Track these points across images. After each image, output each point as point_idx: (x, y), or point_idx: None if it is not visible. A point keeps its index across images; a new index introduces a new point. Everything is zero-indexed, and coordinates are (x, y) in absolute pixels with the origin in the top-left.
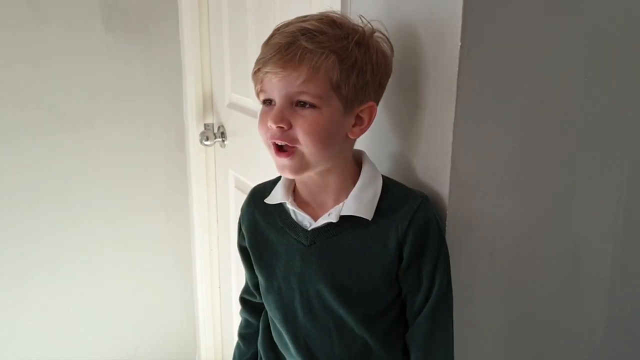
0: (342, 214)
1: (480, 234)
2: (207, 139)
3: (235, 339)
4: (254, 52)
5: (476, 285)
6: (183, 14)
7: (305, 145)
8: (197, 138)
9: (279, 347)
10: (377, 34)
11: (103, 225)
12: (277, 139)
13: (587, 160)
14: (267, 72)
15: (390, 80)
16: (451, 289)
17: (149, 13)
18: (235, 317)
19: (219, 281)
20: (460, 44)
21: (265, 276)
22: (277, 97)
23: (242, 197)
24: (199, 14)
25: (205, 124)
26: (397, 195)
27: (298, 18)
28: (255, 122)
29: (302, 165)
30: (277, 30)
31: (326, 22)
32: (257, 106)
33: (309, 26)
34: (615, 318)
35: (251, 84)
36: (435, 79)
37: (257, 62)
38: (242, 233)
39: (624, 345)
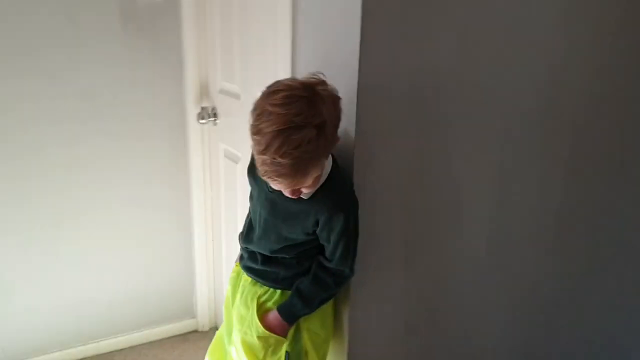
0: None
1: (377, 166)
2: (203, 118)
3: (226, 284)
4: (238, 49)
5: (378, 212)
6: (183, 20)
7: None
8: (195, 118)
9: (247, 232)
10: (326, 101)
11: (119, 190)
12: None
13: (466, 125)
14: (275, 181)
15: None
16: (354, 249)
17: (156, 18)
18: (225, 265)
19: (212, 235)
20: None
21: (253, 197)
22: (284, 189)
23: (231, 165)
24: (196, 20)
25: (201, 107)
26: (331, 186)
27: (276, 136)
28: (238, 103)
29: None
30: (266, 146)
31: (299, 148)
32: (243, 91)
33: (294, 158)
34: (493, 243)
35: (237, 73)
36: (336, 73)
37: (260, 165)
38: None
39: (502, 263)
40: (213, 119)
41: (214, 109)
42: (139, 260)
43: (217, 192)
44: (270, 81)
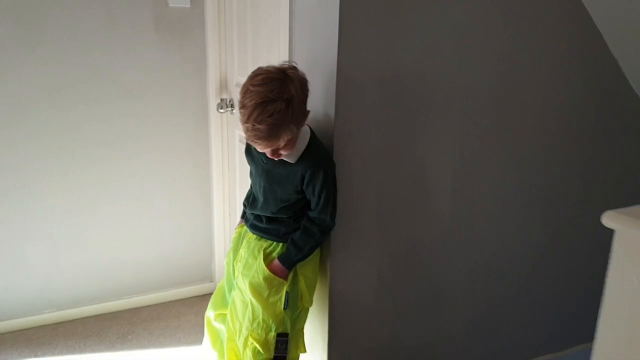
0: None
1: (354, 149)
2: (222, 108)
3: None
4: (250, 48)
5: (354, 183)
6: (207, 24)
7: (287, 152)
8: (215, 107)
9: (252, 202)
10: (295, 77)
11: (150, 167)
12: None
13: (429, 110)
14: (256, 143)
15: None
16: (334, 200)
17: (184, 22)
18: None
19: (228, 208)
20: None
21: (252, 173)
22: (267, 151)
23: (244, 148)
24: (217, 25)
25: (221, 98)
26: (311, 151)
27: (254, 109)
28: None
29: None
30: (248, 115)
31: (277, 111)
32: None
33: (271, 121)
34: (456, 211)
35: (250, 67)
36: (320, 74)
37: (246, 132)
38: (247, 145)
39: (464, 225)
40: (230, 108)
41: (231, 100)
42: (165, 229)
43: (233, 171)
44: None
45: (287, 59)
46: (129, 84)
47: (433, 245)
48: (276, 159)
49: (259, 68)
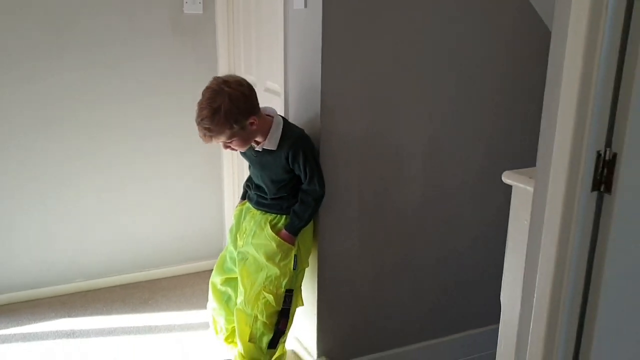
0: (264, 147)
1: (339, 135)
2: None
3: None
4: (254, 49)
5: (339, 166)
6: (217, 27)
7: (243, 145)
8: None
9: (251, 186)
10: (229, 95)
11: (168, 156)
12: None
13: (402, 103)
14: (206, 138)
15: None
16: (318, 171)
17: (197, 26)
18: None
19: (238, 191)
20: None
21: (249, 165)
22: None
23: None
24: (227, 27)
25: None
26: (288, 135)
27: (199, 112)
28: (258, 91)
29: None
30: (197, 117)
31: (207, 116)
32: (257, 80)
33: (206, 126)
34: (428, 192)
35: (254, 68)
36: (308, 71)
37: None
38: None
39: (433, 200)
40: None
41: None
42: (181, 211)
43: (241, 159)
44: (274, 72)
45: (281, 60)
46: (149, 81)
47: (407, 217)
48: (239, 150)
49: (212, 79)
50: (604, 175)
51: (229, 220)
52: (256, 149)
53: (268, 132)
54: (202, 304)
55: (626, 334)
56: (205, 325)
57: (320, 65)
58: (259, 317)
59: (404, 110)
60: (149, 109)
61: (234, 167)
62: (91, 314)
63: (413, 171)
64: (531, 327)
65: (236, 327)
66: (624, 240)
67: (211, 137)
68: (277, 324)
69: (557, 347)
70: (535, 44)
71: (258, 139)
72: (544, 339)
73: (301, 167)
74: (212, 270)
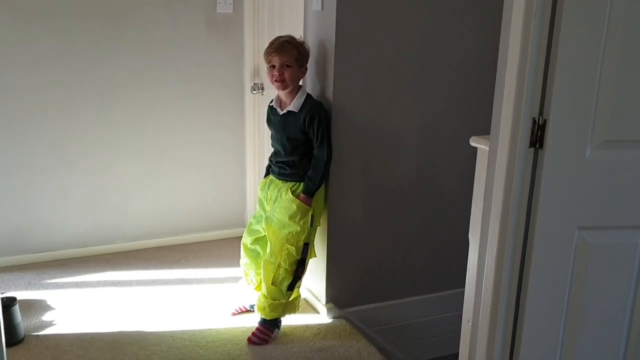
0: (288, 109)
1: (347, 116)
2: (255, 90)
3: None
4: None
5: (345, 144)
6: (245, 24)
7: (288, 79)
8: (249, 90)
9: (276, 156)
10: (304, 43)
11: (199, 136)
12: (278, 79)
13: (399, 91)
14: (273, 55)
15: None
16: (328, 138)
17: (228, 23)
18: None
19: (258, 167)
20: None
21: (272, 134)
22: (277, 64)
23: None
24: (253, 24)
25: (254, 82)
26: (309, 102)
27: (278, 37)
28: None
29: (285, 86)
30: (273, 41)
31: (288, 39)
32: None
33: (286, 39)
34: (421, 166)
35: None
36: (323, 62)
37: (267, 52)
38: (267, 114)
39: (425, 178)
40: (261, 90)
41: (262, 84)
42: (209, 184)
43: (262, 139)
44: None
45: None
46: (186, 71)
47: (403, 187)
48: (280, 84)
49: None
50: (538, 136)
51: (250, 195)
52: (281, 113)
53: (296, 95)
54: (226, 263)
55: (558, 248)
56: (230, 279)
57: (333, 58)
58: (282, 264)
59: (403, 97)
60: (184, 94)
61: (255, 147)
62: (131, 269)
63: (408, 149)
64: (487, 251)
65: (262, 274)
66: (552, 181)
67: (281, 52)
68: (296, 270)
69: (505, 265)
70: None
71: (286, 100)
72: (496, 258)
73: (315, 130)
74: (234, 237)
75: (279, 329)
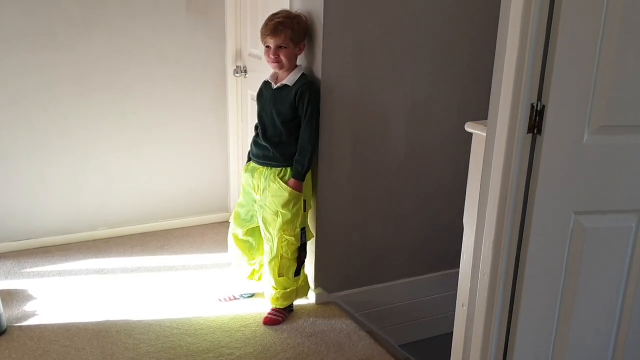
0: (282, 83)
1: (336, 94)
2: (237, 73)
3: None
4: (260, 25)
5: (335, 125)
6: (226, 5)
7: (283, 59)
8: (232, 72)
9: (263, 134)
10: (301, 16)
11: (181, 119)
12: (274, 60)
13: (386, 72)
14: (268, 37)
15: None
16: (316, 116)
17: (209, 5)
18: None
19: (241, 151)
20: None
21: (260, 110)
22: (272, 45)
23: (254, 104)
24: (235, 5)
25: (237, 65)
26: (302, 78)
27: (272, 16)
28: (260, 62)
29: (282, 66)
30: (267, 21)
31: (282, 19)
32: (262, 54)
33: (279, 20)
34: (410, 148)
35: (258, 43)
36: (311, 39)
37: (262, 32)
38: (260, 89)
39: (413, 162)
40: (244, 73)
41: (244, 67)
42: (191, 168)
43: (245, 122)
44: None
45: None
46: (166, 53)
47: (391, 169)
48: (276, 64)
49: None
50: (536, 121)
51: (233, 180)
52: (274, 87)
53: (292, 70)
54: (211, 249)
55: (555, 233)
56: (215, 266)
57: (321, 38)
58: (285, 255)
59: (390, 78)
60: (165, 77)
61: (238, 130)
62: (114, 256)
63: (397, 131)
64: (484, 236)
65: (267, 269)
66: (549, 167)
67: (275, 34)
68: (299, 256)
69: (502, 249)
70: None
71: (282, 76)
72: (493, 242)
73: (305, 106)
74: (218, 223)
75: (292, 311)
